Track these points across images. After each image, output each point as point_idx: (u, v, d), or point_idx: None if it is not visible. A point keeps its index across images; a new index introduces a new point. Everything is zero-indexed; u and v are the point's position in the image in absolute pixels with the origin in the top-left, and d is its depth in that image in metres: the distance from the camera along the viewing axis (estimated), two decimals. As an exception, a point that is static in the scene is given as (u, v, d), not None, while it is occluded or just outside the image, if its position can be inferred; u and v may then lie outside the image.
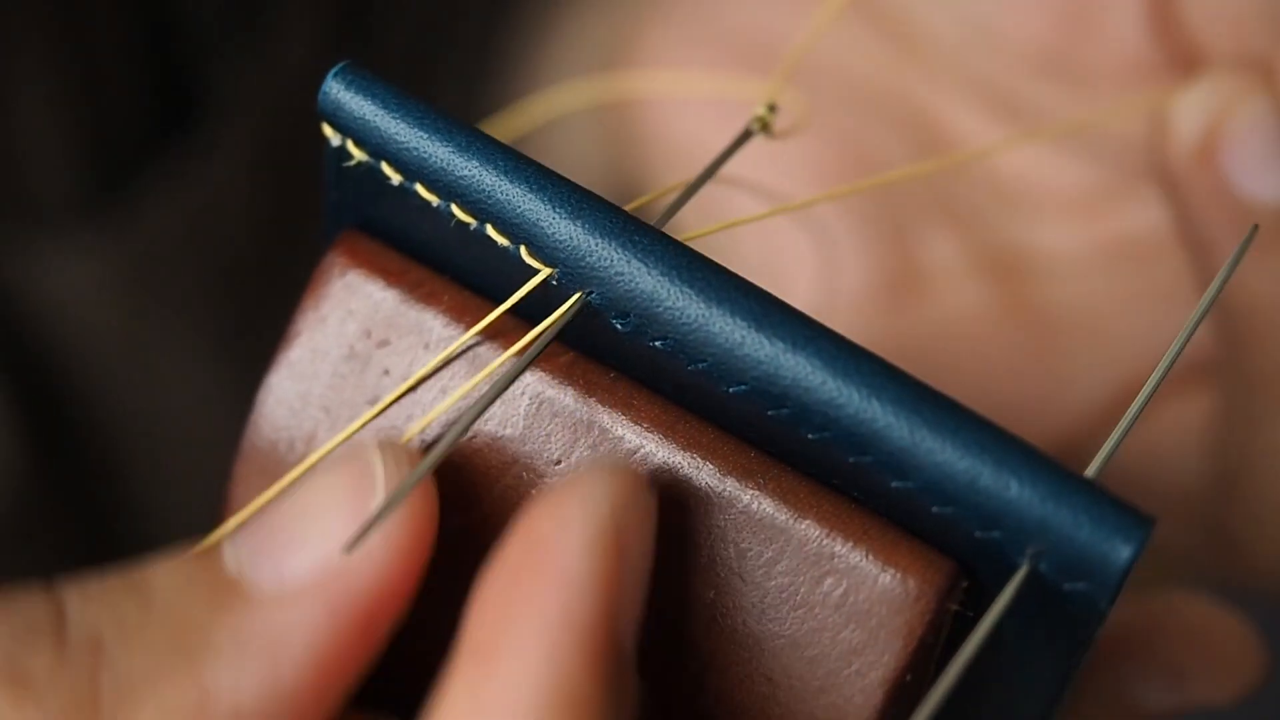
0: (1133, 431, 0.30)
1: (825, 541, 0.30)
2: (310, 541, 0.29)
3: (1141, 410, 0.31)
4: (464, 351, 0.32)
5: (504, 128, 0.42)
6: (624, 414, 0.31)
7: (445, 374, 0.32)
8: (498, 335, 0.31)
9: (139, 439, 0.60)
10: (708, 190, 0.34)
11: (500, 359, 0.31)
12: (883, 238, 0.50)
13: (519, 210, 0.30)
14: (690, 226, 0.34)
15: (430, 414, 0.31)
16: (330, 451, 0.31)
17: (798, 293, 0.50)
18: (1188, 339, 0.31)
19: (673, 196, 0.34)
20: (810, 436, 0.29)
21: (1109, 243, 0.49)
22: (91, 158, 0.57)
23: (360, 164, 0.31)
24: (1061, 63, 0.48)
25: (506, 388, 0.30)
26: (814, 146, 0.50)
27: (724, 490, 0.30)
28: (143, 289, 0.58)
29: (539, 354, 0.30)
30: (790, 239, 0.50)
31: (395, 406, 0.32)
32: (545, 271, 0.30)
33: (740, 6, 0.53)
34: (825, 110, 0.51)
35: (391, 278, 0.32)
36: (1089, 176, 0.49)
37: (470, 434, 0.31)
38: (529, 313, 0.31)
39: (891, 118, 0.51)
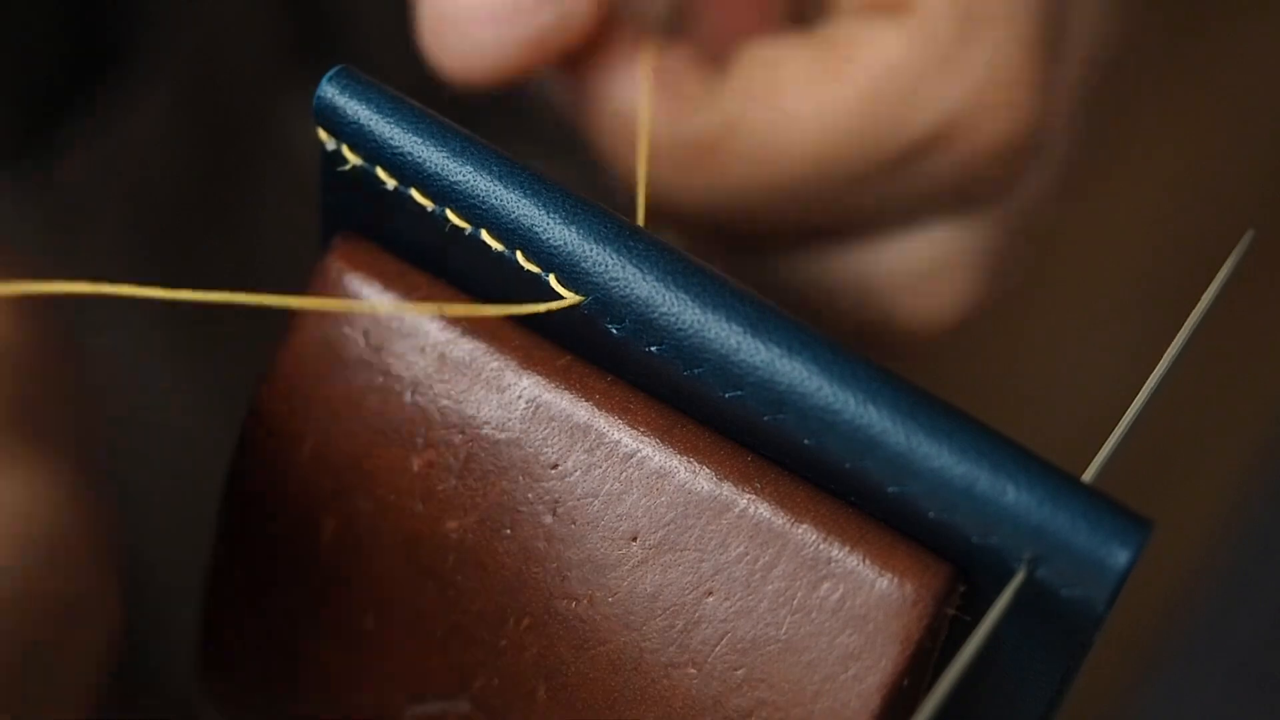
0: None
1: (822, 546, 0.30)
2: None
3: (1139, 414, 0.31)
4: (462, 357, 0.32)
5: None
6: (621, 418, 0.31)
7: (441, 379, 0.32)
8: (496, 339, 0.31)
9: None
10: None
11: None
12: None
13: (514, 215, 0.30)
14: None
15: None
16: None
17: None
18: (1186, 341, 0.31)
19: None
20: (807, 441, 0.29)
21: None
22: (6, 108, 0.56)
23: (355, 168, 0.31)
24: None
25: None
26: None
27: (721, 494, 0.30)
28: (63, 241, 0.57)
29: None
30: None
31: (401, 417, 0.32)
32: (554, 282, 0.30)
33: None
34: None
35: (388, 281, 0.32)
36: None
37: (466, 437, 0.31)
38: (525, 317, 0.31)
39: None
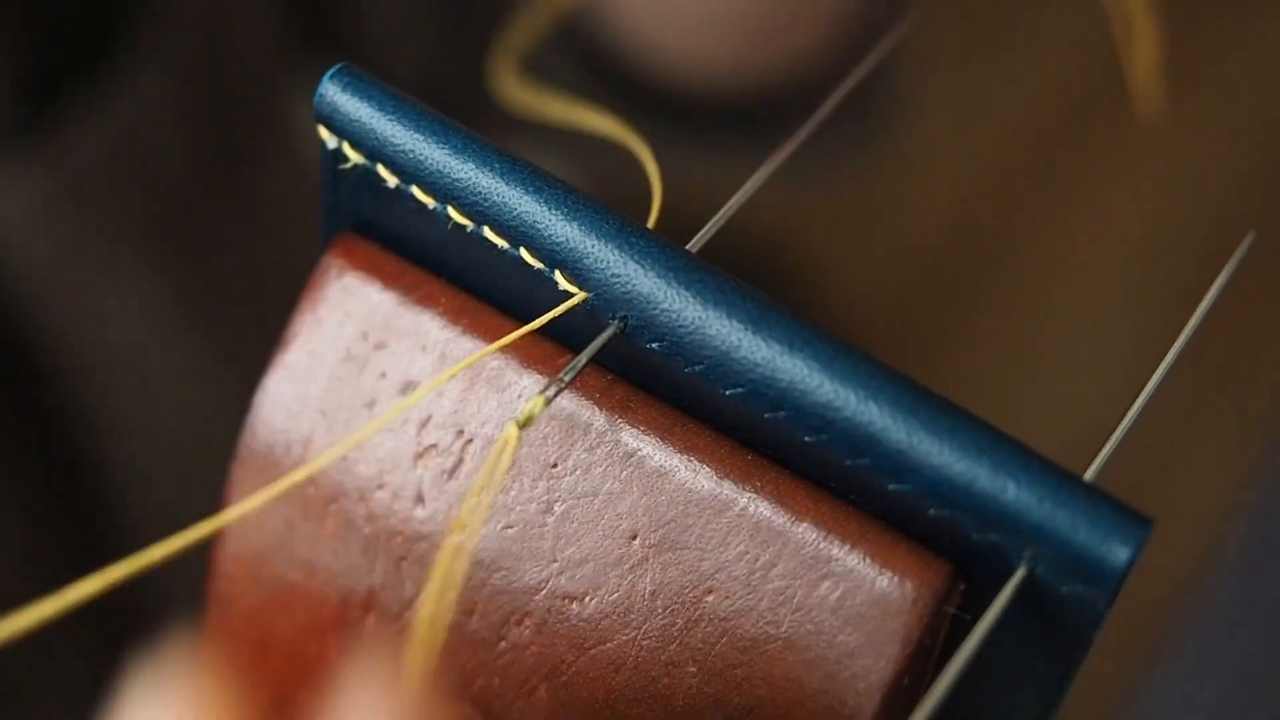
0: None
1: (823, 544, 0.30)
2: None
3: (1140, 413, 0.31)
4: (463, 355, 0.32)
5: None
6: (621, 416, 0.31)
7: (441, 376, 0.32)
8: (496, 338, 0.31)
9: (83, 372, 0.59)
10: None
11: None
12: None
13: (516, 212, 0.30)
14: None
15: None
16: (328, 459, 0.31)
17: None
18: (1187, 341, 0.31)
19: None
20: (808, 439, 0.29)
21: None
22: (13, 85, 0.56)
23: (357, 166, 0.31)
24: None
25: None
26: None
27: (721, 493, 0.30)
28: (76, 216, 0.57)
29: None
30: None
31: (400, 415, 0.32)
32: (570, 287, 0.30)
33: None
34: None
35: (389, 280, 0.32)
36: None
37: (466, 438, 0.31)
38: (523, 313, 0.31)
39: None
